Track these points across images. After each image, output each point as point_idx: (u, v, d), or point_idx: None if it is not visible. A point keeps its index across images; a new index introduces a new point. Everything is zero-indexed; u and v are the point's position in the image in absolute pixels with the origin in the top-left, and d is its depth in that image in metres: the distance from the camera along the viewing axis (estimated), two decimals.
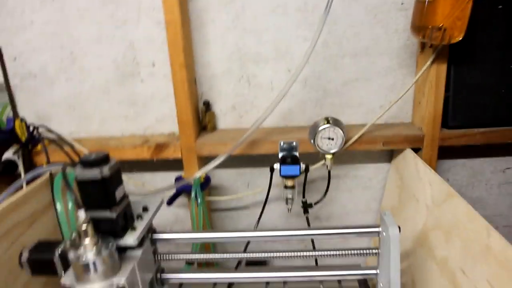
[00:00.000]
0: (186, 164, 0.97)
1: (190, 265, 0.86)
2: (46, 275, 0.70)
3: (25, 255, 0.69)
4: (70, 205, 0.59)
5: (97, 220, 0.61)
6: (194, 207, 0.94)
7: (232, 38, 0.98)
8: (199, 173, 0.88)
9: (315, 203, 0.96)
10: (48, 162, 0.99)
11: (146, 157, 0.98)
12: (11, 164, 0.99)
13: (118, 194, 0.63)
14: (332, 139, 0.90)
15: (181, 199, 1.10)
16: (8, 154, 0.98)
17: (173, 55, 0.91)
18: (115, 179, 0.62)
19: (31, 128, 1.01)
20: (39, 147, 1.02)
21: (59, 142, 1.03)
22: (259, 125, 0.88)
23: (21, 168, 0.99)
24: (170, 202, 0.94)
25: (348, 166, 1.08)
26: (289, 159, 0.88)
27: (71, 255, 0.58)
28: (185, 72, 0.92)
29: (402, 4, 0.94)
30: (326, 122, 0.90)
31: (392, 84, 1.00)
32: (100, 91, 1.05)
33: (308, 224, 0.98)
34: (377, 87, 1.01)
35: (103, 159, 0.61)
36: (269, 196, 0.96)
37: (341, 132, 0.89)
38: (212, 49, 0.99)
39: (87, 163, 0.60)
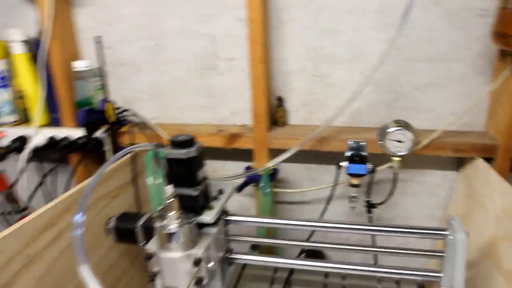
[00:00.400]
0: (257, 155, 1.02)
1: (254, 250, 0.91)
2: (128, 243, 0.78)
3: (112, 223, 0.77)
4: (158, 181, 0.66)
5: (181, 197, 0.68)
6: (261, 196, 0.99)
7: (309, 37, 1.02)
8: (269, 164, 0.93)
9: (379, 204, 0.98)
10: (132, 143, 1.09)
11: (219, 145, 1.04)
12: (99, 142, 1.10)
13: (200, 174, 0.69)
14: (401, 141, 0.91)
15: (247, 189, 1.16)
16: (99, 133, 1.08)
17: (253, 51, 0.96)
18: (199, 160, 0.68)
19: (119, 111, 1.11)
20: (124, 128, 1.12)
21: (142, 125, 1.13)
22: (330, 122, 0.91)
23: (109, 146, 1.09)
24: (240, 189, 1.00)
25: (414, 171, 1.08)
26: (357, 158, 0.90)
27: (157, 224, 0.65)
28: (263, 67, 0.97)
29: (482, 10, 0.92)
30: (396, 124, 0.91)
31: (467, 92, 0.99)
32: (181, 82, 1.13)
33: None
34: (450, 93, 1.00)
35: (190, 141, 0.67)
36: (333, 193, 0.99)
37: (410, 135, 0.90)
38: (289, 47, 1.03)
39: (176, 143, 0.66)
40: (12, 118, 1.26)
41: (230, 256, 0.81)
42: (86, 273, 0.46)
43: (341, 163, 0.91)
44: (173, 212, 0.65)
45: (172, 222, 0.65)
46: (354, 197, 0.94)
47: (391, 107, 1.03)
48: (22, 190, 1.23)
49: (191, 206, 0.69)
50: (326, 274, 0.98)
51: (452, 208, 1.07)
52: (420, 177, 1.09)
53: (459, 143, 0.95)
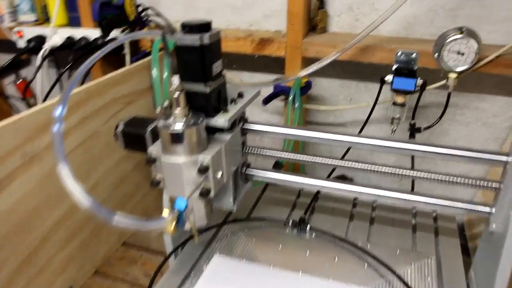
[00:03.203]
0: (288, 64, 0.90)
1: (277, 169, 0.82)
2: (137, 150, 0.70)
3: (120, 127, 0.69)
4: (165, 74, 0.56)
5: (191, 94, 0.58)
6: (290, 111, 0.88)
7: None
8: (302, 73, 0.81)
9: (425, 128, 0.85)
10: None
11: (248, 51, 0.92)
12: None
13: (215, 68, 0.59)
14: (463, 54, 0.76)
15: (276, 106, 1.05)
16: (116, 32, 0.98)
17: None
18: (214, 50, 0.57)
19: (140, 9, 1.00)
20: (145, 29, 1.01)
21: (165, 28, 1.01)
22: (376, 26, 0.76)
23: (126, 48, 0.99)
24: (266, 101, 0.89)
25: (471, 95, 0.93)
26: (405, 71, 0.76)
27: (160, 123, 0.56)
28: None
29: None
30: (459, 32, 0.75)
31: None
32: None
33: None
34: None
35: (205, 26, 0.56)
36: (372, 114, 0.86)
37: (475, 46, 0.74)
38: None
39: (188, 28, 0.55)
40: (31, 17, 1.19)
41: (247, 172, 0.72)
42: (64, 173, 0.38)
43: (386, 77, 0.78)
44: (179, 109, 0.55)
45: (178, 121, 0.55)
46: (397, 118, 0.82)
47: (454, 15, 0.86)
48: (39, 92, 1.18)
49: (202, 106, 0.59)
50: (355, 204, 0.88)
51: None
52: (477, 102, 0.93)
53: None
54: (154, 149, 0.59)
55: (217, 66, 0.59)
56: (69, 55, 1.06)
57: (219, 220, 0.84)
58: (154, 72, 0.53)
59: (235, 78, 1.01)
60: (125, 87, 0.90)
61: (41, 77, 1.12)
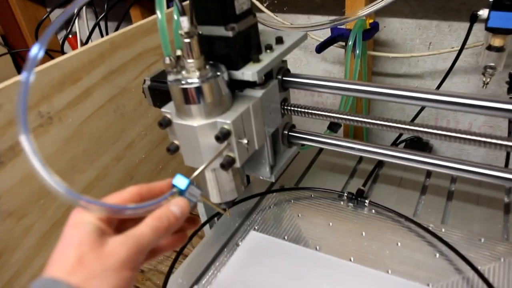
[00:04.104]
0: (349, 0, 0.72)
1: (333, 131, 0.68)
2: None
3: (147, 82, 0.60)
4: (175, 16, 0.44)
5: (207, 39, 0.46)
6: (349, 59, 0.72)
7: None
8: (365, 12, 0.63)
9: None
10: None
11: None
12: None
13: (239, 5, 0.45)
14: None
15: (337, 54, 0.88)
16: None
17: None
18: None
19: None
20: None
21: None
22: None
23: None
24: (320, 48, 0.73)
25: None
26: (508, 1, 0.56)
27: (171, 77, 0.45)
28: None
29: None
30: None
31: None
32: None
33: None
34: None
35: None
36: (458, 62, 0.68)
37: None
38: None
39: None
40: None
41: (290, 135, 0.59)
42: (25, 144, 0.29)
43: (479, 12, 0.59)
44: (193, 60, 0.43)
45: (191, 74, 0.44)
46: (491, 67, 0.63)
47: None
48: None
49: (224, 55, 0.46)
50: (429, 174, 0.72)
51: None
52: None
53: None
54: (167, 108, 0.49)
55: (242, 2, 0.45)
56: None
57: (263, 188, 0.73)
58: (159, 14, 0.41)
59: (284, 23, 0.85)
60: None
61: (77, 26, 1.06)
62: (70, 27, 1.07)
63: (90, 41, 1.02)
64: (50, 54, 1.14)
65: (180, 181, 0.36)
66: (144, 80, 0.61)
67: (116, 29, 0.97)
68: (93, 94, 0.69)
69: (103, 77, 0.69)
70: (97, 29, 1.01)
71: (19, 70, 1.50)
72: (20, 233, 0.63)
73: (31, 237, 0.65)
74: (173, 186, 0.36)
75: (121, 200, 0.34)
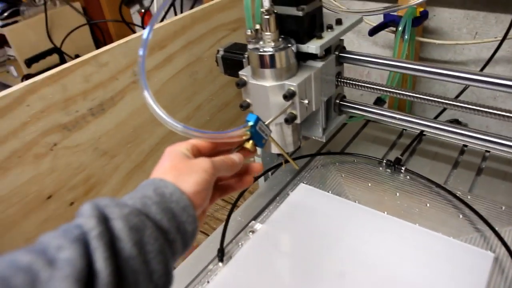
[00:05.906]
0: None
1: (380, 104, 0.77)
2: (236, 75, 0.72)
3: (220, 52, 0.71)
4: None
5: (282, 18, 0.56)
6: (398, 43, 0.80)
7: None
8: (417, 1, 0.72)
9: None
10: None
11: None
12: None
13: None
14: None
15: (388, 39, 0.96)
16: None
17: None
18: None
19: None
20: None
21: None
22: None
23: None
24: (372, 32, 0.82)
25: None
26: None
27: (250, 45, 0.56)
28: None
29: None
30: None
31: None
32: None
33: None
34: None
35: None
36: (501, 51, 0.75)
37: None
38: None
39: None
40: None
41: (341, 104, 0.69)
42: (148, 99, 0.41)
43: None
44: (269, 33, 0.54)
45: (267, 44, 0.55)
46: None
47: None
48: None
49: (294, 31, 0.57)
50: (462, 151, 0.80)
51: None
52: None
53: None
54: (244, 71, 0.60)
55: None
56: None
57: (313, 151, 0.84)
58: None
59: (341, 7, 0.94)
60: (232, 13, 0.91)
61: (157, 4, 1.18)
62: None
63: (164, 18, 1.14)
64: (131, 27, 1.29)
65: (252, 117, 0.46)
66: (218, 50, 0.72)
67: (192, 7, 1.09)
68: (174, 60, 0.81)
69: (182, 46, 0.82)
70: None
71: (95, 40, 1.66)
72: (110, 170, 0.78)
73: (118, 175, 0.79)
74: (247, 121, 0.46)
75: (203, 143, 0.43)
